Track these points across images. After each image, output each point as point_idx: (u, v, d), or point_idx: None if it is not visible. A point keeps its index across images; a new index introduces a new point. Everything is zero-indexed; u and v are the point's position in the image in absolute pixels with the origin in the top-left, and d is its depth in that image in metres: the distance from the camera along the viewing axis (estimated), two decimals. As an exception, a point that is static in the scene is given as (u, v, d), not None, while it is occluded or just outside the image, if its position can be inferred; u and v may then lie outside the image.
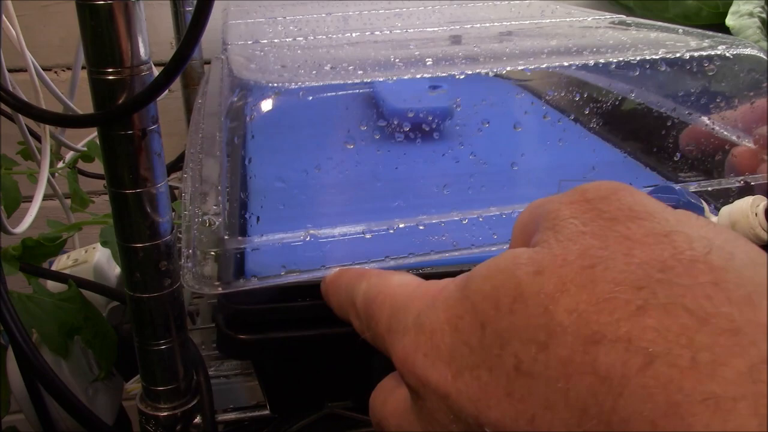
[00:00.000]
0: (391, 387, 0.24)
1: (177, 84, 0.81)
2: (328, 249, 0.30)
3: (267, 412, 0.38)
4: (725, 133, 0.33)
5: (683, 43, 0.37)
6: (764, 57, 0.37)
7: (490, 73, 0.32)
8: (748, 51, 0.36)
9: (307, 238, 0.30)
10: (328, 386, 0.37)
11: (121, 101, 0.27)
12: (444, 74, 0.31)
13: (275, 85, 0.30)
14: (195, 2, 0.25)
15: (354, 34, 0.45)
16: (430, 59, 0.34)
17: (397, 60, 0.35)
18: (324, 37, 0.46)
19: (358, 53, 0.39)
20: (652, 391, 0.15)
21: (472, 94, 0.31)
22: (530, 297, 0.17)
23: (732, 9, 0.64)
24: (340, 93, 0.30)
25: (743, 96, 0.35)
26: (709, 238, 0.17)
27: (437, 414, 0.19)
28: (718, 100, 0.35)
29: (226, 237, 0.30)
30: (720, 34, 0.41)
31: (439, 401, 0.19)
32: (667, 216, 0.18)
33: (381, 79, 0.31)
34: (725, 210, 0.25)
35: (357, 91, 0.31)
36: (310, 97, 0.29)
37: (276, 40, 0.43)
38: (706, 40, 0.38)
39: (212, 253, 0.29)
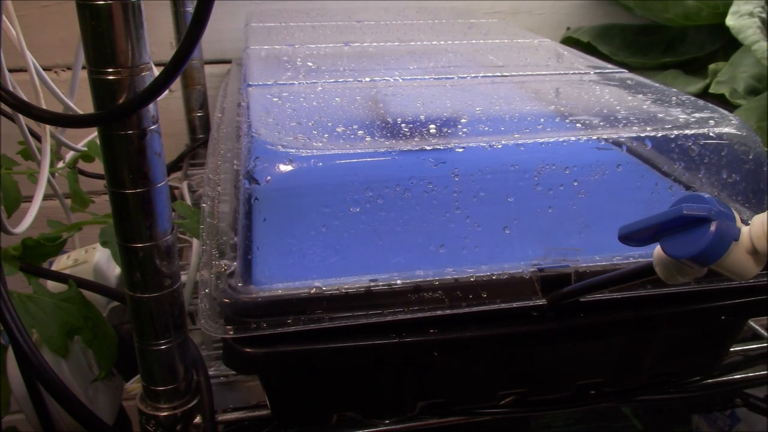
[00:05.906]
0: None
1: (177, 84, 0.81)
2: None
3: (267, 411, 0.38)
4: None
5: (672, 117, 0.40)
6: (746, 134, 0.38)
7: (487, 147, 0.35)
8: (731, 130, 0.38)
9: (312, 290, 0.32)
10: (337, 398, 0.37)
11: (121, 101, 0.27)
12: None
13: (290, 151, 0.33)
14: (195, 2, 0.25)
15: (368, 78, 0.48)
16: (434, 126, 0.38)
17: (404, 126, 0.38)
18: (338, 74, 0.49)
19: (370, 109, 0.42)
20: None
21: (469, 166, 0.35)
22: None
23: (732, 9, 0.64)
24: (353, 161, 0.34)
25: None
26: None
27: None
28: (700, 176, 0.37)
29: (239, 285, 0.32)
30: (711, 106, 0.42)
31: None
32: None
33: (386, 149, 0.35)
34: (758, 219, 0.24)
35: (367, 159, 0.34)
36: (320, 164, 0.33)
37: (294, 83, 0.47)
38: (695, 114, 0.40)
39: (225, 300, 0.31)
